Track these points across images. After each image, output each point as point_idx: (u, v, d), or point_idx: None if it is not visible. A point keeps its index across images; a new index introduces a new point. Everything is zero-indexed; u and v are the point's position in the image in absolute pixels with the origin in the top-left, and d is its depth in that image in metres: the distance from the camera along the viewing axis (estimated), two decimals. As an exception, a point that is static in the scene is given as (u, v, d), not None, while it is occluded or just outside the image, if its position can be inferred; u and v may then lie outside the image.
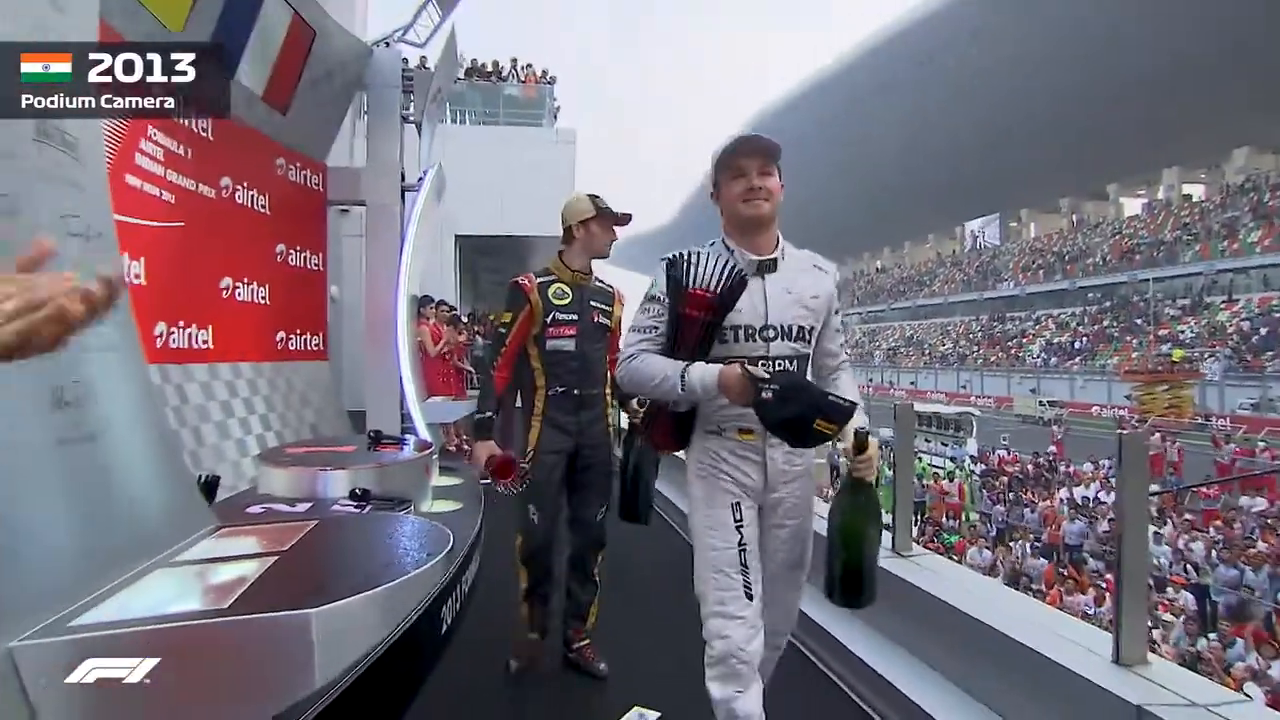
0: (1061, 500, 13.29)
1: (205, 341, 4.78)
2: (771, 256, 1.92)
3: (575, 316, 2.91)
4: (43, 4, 1.52)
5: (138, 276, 4.03)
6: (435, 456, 4.61)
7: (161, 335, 4.35)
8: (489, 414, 2.92)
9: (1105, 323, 39.26)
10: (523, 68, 14.83)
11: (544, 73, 14.87)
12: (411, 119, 6.92)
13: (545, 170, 13.71)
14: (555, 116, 14.80)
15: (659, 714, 2.61)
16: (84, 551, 1.42)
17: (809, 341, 1.94)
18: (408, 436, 5.42)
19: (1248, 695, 5.55)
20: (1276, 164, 40.45)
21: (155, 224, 4.27)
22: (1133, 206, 49.19)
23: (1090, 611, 8.92)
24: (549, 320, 2.88)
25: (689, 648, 2.11)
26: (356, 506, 3.17)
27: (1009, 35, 43.94)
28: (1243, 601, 9.38)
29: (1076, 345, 39.14)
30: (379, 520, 2.39)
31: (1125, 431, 2.48)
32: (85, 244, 1.64)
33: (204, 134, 4.72)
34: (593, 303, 2.98)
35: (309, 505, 3.11)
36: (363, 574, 1.53)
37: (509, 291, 2.96)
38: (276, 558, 1.63)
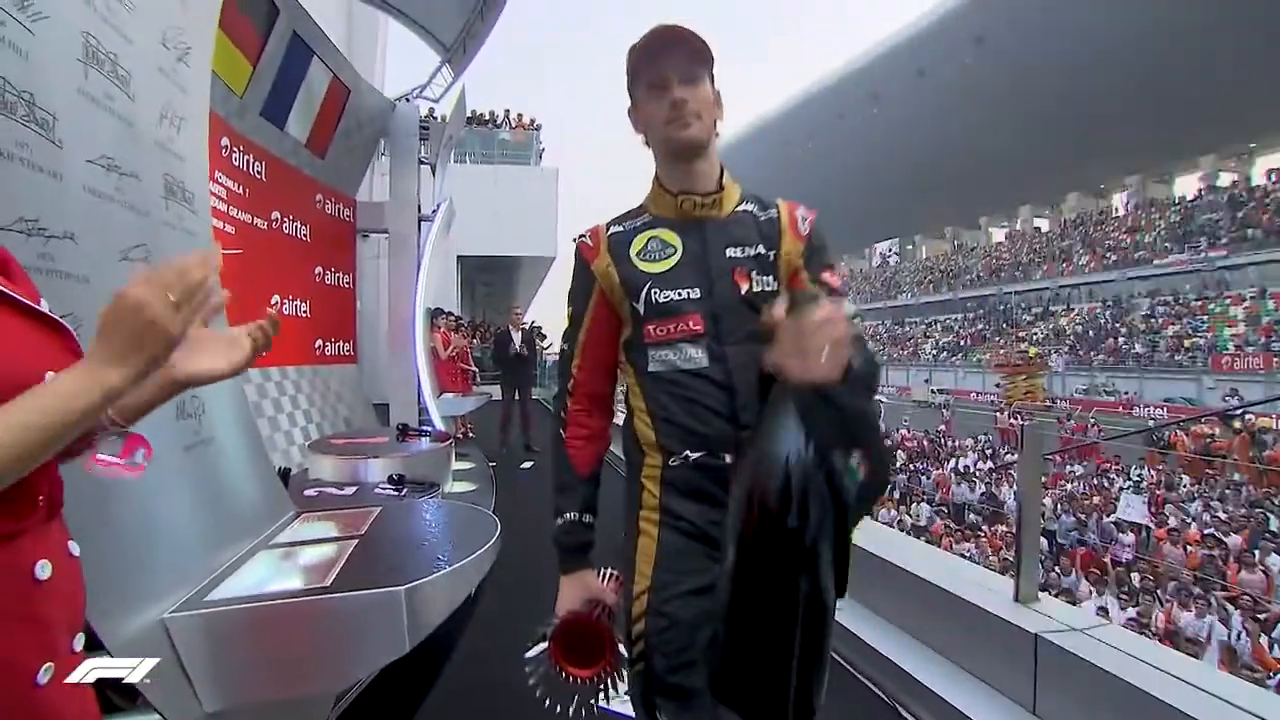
0: (949, 469, 13.64)
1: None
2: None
3: (695, 291, 1.15)
4: (170, 88, 1.50)
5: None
6: (453, 446, 4.59)
7: (225, 344, 4.25)
8: (569, 517, 1.18)
9: (979, 326, 40.42)
10: (514, 116, 14.75)
11: (531, 120, 14.79)
12: (426, 161, 6.83)
13: (532, 201, 13.69)
14: (541, 157, 14.77)
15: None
16: (206, 537, 1.41)
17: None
18: (428, 428, 5.39)
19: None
20: (1097, 205, 42.66)
21: (222, 251, 4.15)
22: (998, 235, 50.87)
23: (970, 557, 9.17)
24: (640, 308, 1.16)
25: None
26: (395, 489, 3.17)
27: (901, 105, 45.00)
28: (1078, 541, 9.84)
29: (960, 345, 40.19)
30: (429, 506, 2.37)
31: (1028, 424, 2.57)
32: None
33: (258, 176, 4.60)
34: (732, 251, 1.17)
35: (354, 489, 3.10)
36: (434, 555, 1.54)
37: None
38: (356, 540, 1.63)
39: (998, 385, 30.51)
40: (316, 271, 5.68)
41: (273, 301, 4.91)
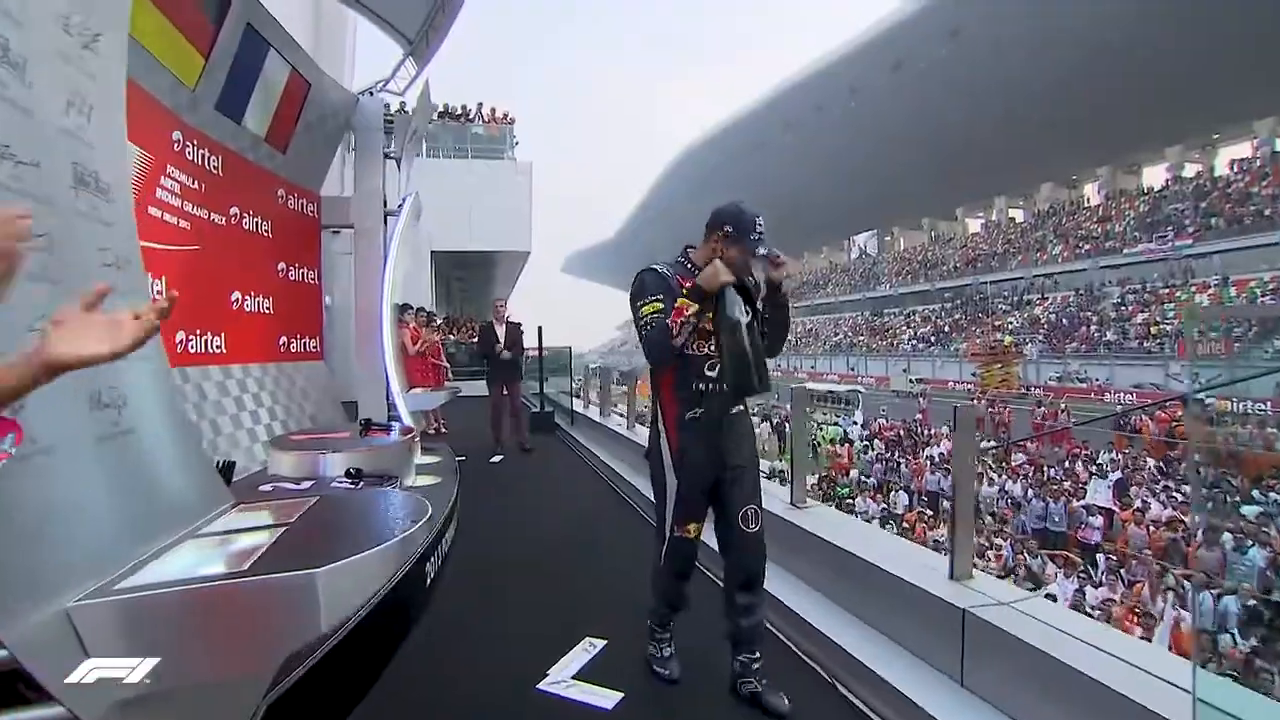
0: (926, 457, 13.76)
1: (219, 347, 4.61)
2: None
3: None
4: (76, 75, 1.49)
5: (160, 293, 3.87)
6: (417, 439, 4.58)
7: (182, 342, 4.18)
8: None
9: (957, 316, 40.77)
10: (488, 111, 14.63)
11: (505, 114, 14.68)
12: (392, 155, 6.77)
13: (506, 196, 13.59)
14: (514, 150, 14.67)
15: (605, 641, 2.54)
16: (124, 528, 1.41)
17: None
18: (394, 423, 5.36)
19: (1049, 596, 5.93)
20: (1070, 196, 43.29)
21: (175, 248, 4.09)
22: (974, 225, 51.32)
23: (943, 541, 9.29)
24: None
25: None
26: (351, 483, 3.16)
27: (875, 98, 45.20)
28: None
29: (938, 334, 40.54)
30: (369, 495, 2.38)
31: (959, 405, 2.63)
32: (117, 272, 1.61)
33: (215, 171, 4.54)
34: None
35: (311, 483, 3.08)
36: (356, 540, 1.55)
37: None
38: (285, 529, 1.64)
39: (974, 374, 30.90)
40: (280, 268, 5.62)
41: (233, 298, 4.86)
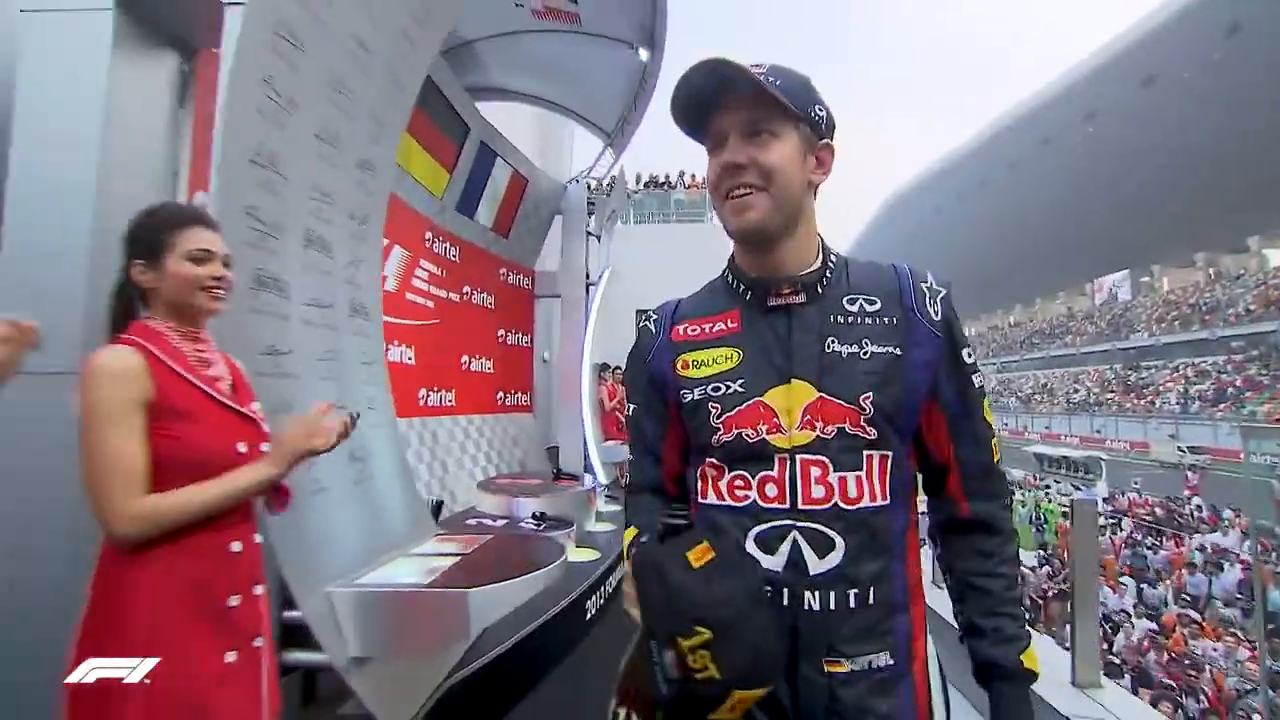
0: (1195, 548, 11.32)
1: (450, 401, 5.69)
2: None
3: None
4: (356, 246, 2.30)
5: (410, 359, 4.99)
6: (599, 489, 5.21)
7: (424, 397, 5.27)
8: None
9: (1251, 370, 33.34)
10: (688, 177, 15.73)
11: (703, 180, 15.63)
12: (593, 233, 7.77)
13: (704, 256, 14.33)
14: (712, 214, 15.54)
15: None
16: (362, 545, 2.09)
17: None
18: (585, 474, 6.11)
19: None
20: None
21: (421, 323, 5.23)
22: (1276, 258, 41.92)
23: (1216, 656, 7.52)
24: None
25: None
26: (536, 524, 3.81)
27: (1122, 115, 39.73)
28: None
29: (1219, 393, 33.38)
30: (543, 536, 2.94)
31: (1077, 499, 2.51)
32: (368, 368, 2.38)
33: (454, 259, 5.72)
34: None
35: (505, 521, 3.78)
36: (505, 570, 2.08)
37: None
38: (463, 556, 2.24)
39: (1282, 444, 24.87)
40: (500, 333, 6.76)
41: (462, 360, 5.99)
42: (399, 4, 2.30)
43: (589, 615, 3.22)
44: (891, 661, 0.91)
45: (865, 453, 0.90)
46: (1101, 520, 14.57)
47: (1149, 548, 11.76)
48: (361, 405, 2.23)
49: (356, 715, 1.86)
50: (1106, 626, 8.13)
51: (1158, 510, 13.89)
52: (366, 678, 1.78)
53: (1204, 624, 8.73)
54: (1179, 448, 26.73)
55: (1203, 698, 6.52)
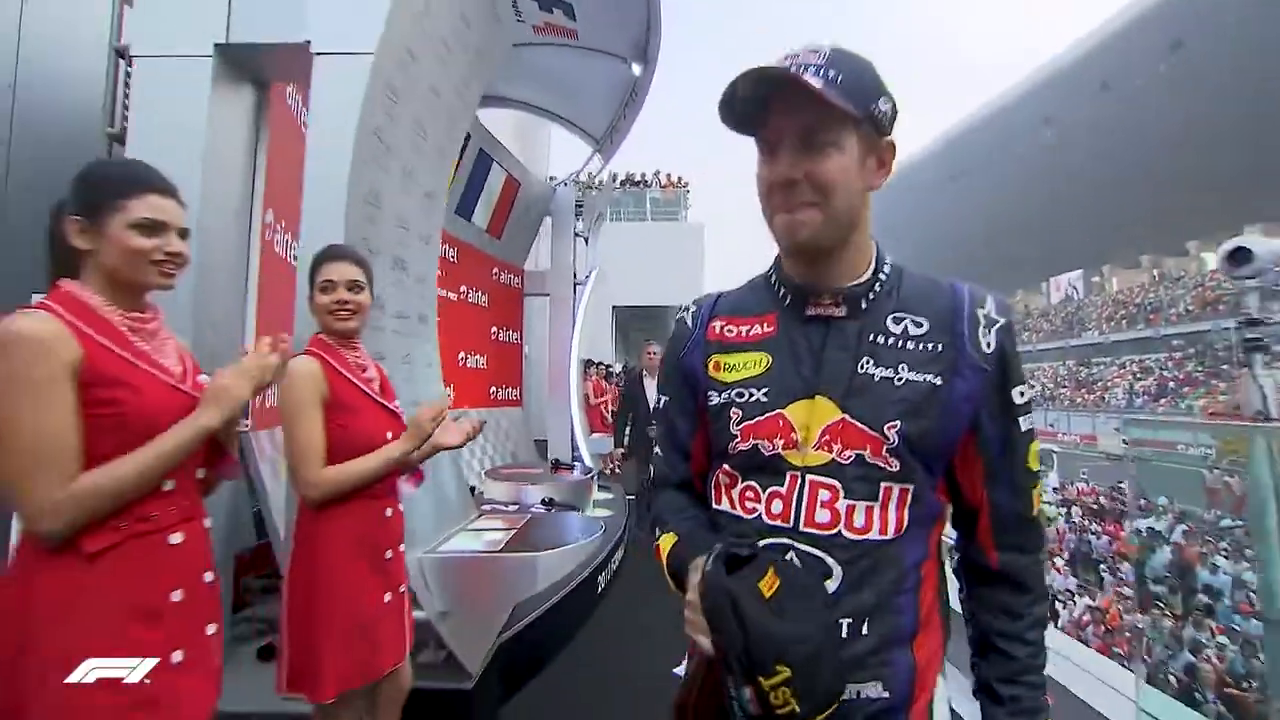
0: (1133, 530, 12.27)
1: (449, 396, 5.99)
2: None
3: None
4: (424, 199, 2.67)
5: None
6: (594, 478, 5.59)
7: (425, 392, 5.60)
8: None
9: (1190, 367, 35.27)
10: (664, 176, 16.10)
11: (679, 179, 16.04)
12: (580, 234, 8.10)
13: (680, 254, 14.78)
14: (688, 213, 15.94)
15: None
16: (435, 521, 2.45)
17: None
18: (577, 463, 6.47)
19: None
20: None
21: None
22: (1213, 261, 44.25)
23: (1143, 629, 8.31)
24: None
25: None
26: (546, 508, 4.18)
27: (1080, 121, 41.43)
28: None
29: (1161, 388, 35.27)
30: (565, 518, 3.33)
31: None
32: (429, 370, 2.73)
33: (453, 260, 6.01)
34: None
35: (517, 507, 4.14)
36: (559, 538, 2.46)
37: None
38: (511, 531, 2.61)
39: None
40: (492, 331, 7.07)
41: (459, 357, 6.29)
42: (461, 52, 2.64)
43: (599, 589, 3.61)
44: (886, 694, 0.85)
45: (883, 484, 0.84)
46: (1051, 509, 15.53)
47: (1093, 533, 12.61)
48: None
49: (433, 663, 2.22)
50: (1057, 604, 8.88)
51: (1102, 500, 14.81)
52: (448, 628, 2.14)
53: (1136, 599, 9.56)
54: (1123, 441, 28.16)
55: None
